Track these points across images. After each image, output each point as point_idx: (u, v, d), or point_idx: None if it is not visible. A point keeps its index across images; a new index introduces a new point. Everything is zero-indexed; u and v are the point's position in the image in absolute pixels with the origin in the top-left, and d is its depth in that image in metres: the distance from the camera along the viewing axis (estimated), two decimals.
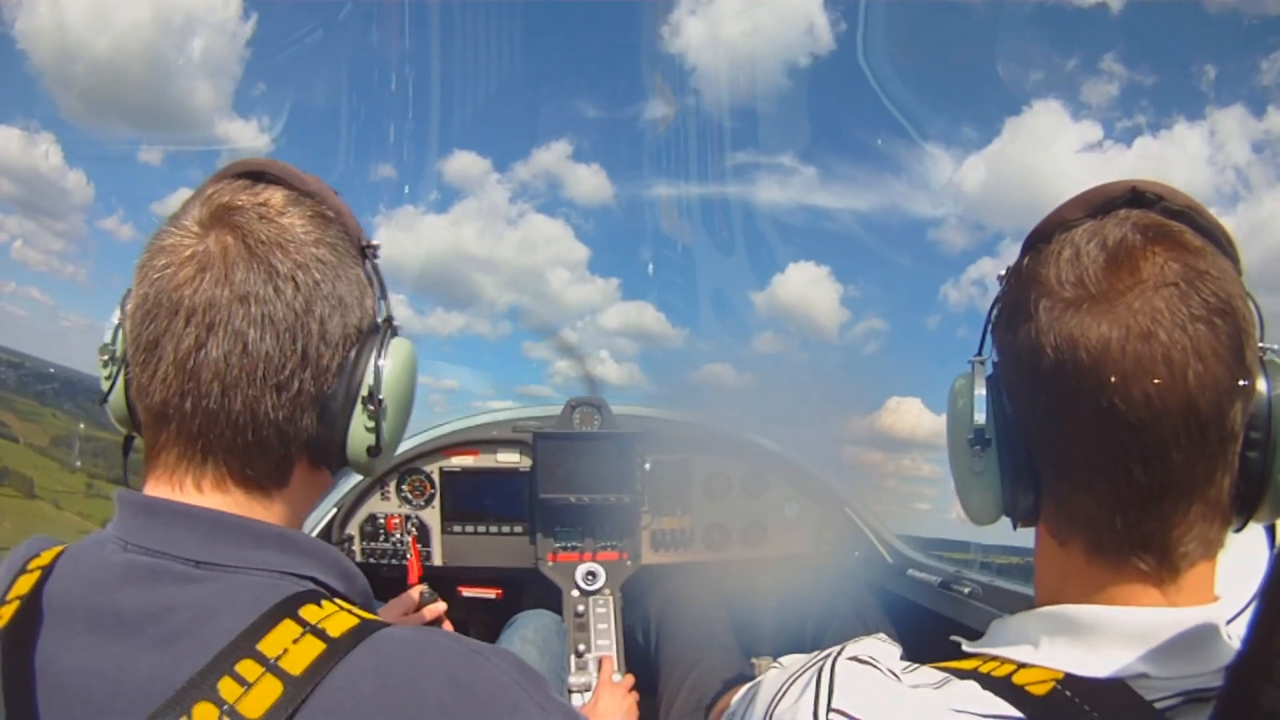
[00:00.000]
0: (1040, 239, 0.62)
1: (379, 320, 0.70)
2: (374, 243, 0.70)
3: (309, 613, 0.54)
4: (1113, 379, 0.53)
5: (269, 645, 0.51)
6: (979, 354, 0.66)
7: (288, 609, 0.54)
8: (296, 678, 0.50)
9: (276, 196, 0.64)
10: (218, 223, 0.61)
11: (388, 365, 0.67)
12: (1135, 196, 0.60)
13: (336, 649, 0.52)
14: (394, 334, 0.70)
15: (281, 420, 0.61)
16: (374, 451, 0.68)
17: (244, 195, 0.63)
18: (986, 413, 0.63)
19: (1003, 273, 0.66)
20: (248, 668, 0.50)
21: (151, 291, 0.59)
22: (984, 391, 0.64)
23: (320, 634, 0.53)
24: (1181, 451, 0.53)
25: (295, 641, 0.52)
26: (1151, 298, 0.53)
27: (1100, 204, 0.60)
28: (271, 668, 0.50)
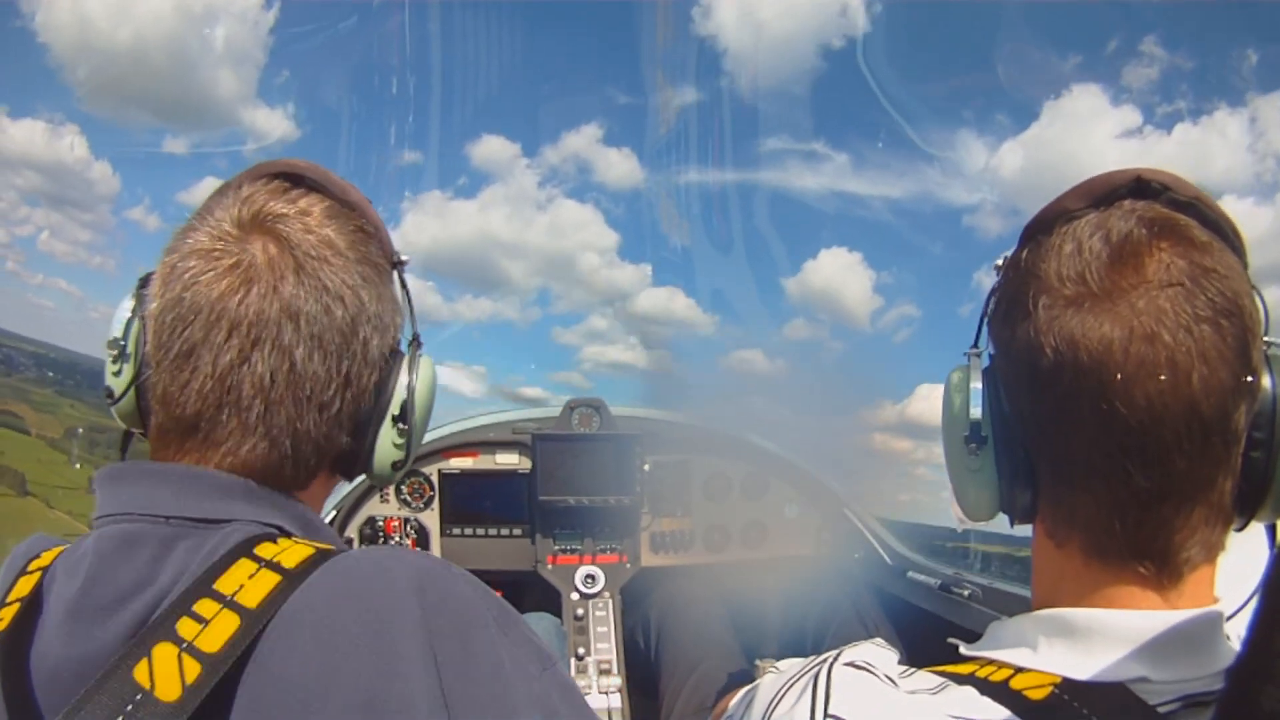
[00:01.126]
0: (1040, 230, 0.60)
1: (404, 336, 0.71)
2: (404, 258, 0.71)
3: (265, 550, 0.54)
4: (1114, 381, 0.51)
5: (225, 583, 0.51)
6: (974, 346, 0.65)
7: (244, 549, 0.54)
8: (253, 610, 0.50)
9: (317, 207, 0.63)
10: (257, 229, 0.60)
11: (417, 383, 0.69)
12: (1140, 186, 0.58)
13: (292, 577, 0.52)
14: (420, 351, 0.72)
15: (320, 437, 0.62)
16: (400, 465, 0.70)
17: (282, 202, 0.62)
18: (983, 409, 0.62)
19: (1000, 262, 0.64)
20: (205, 606, 0.50)
21: (187, 297, 0.58)
22: (980, 386, 0.62)
23: (275, 567, 0.53)
24: (1184, 456, 0.52)
25: (251, 577, 0.52)
26: (1156, 297, 0.52)
27: (1104, 194, 0.58)
28: (228, 603, 0.50)
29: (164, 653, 0.48)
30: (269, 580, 0.52)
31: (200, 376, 0.58)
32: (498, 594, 0.61)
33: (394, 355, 0.68)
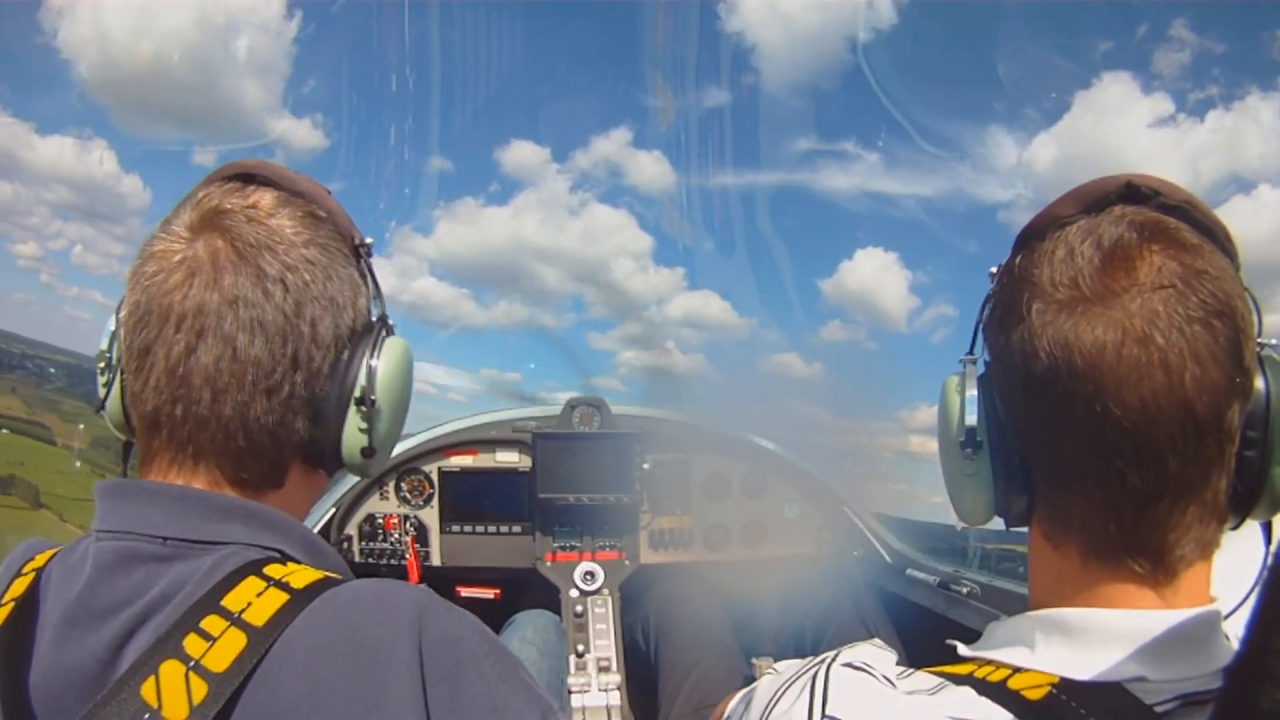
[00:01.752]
0: (1033, 236, 0.61)
1: (373, 320, 0.70)
2: (367, 241, 0.70)
3: (273, 570, 0.54)
4: (1108, 384, 0.52)
5: (233, 600, 0.52)
6: (970, 353, 0.65)
7: (253, 568, 0.54)
8: (259, 628, 0.50)
9: (266, 198, 0.64)
10: (207, 227, 0.61)
11: (381, 365, 0.67)
12: (1130, 191, 0.58)
13: (299, 599, 0.52)
14: (389, 333, 0.70)
15: (273, 424, 0.61)
16: (368, 452, 0.68)
17: (234, 198, 0.63)
18: (978, 415, 0.62)
19: (994, 270, 0.64)
20: (213, 623, 0.50)
21: (143, 298, 0.59)
22: (975, 392, 0.63)
23: (283, 586, 0.53)
24: (1178, 456, 0.52)
25: (259, 595, 0.52)
26: (1148, 300, 0.52)
27: (1095, 200, 0.59)
28: (235, 621, 0.50)
29: (171, 670, 0.49)
30: (277, 599, 0.52)
31: (156, 372, 0.59)
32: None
33: (356, 336, 0.67)
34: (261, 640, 0.50)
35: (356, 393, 0.65)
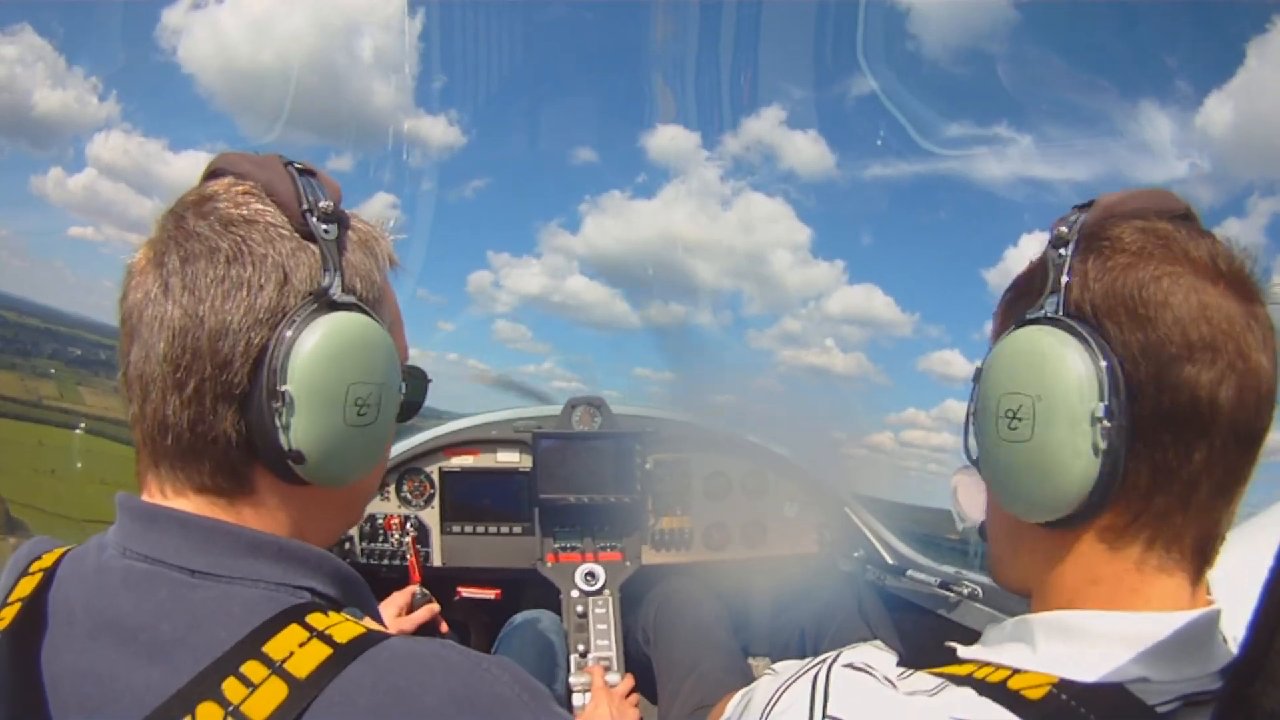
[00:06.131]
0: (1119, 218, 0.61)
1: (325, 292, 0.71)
2: (320, 205, 0.63)
3: (315, 619, 0.53)
4: (1260, 418, 0.55)
5: (275, 648, 0.51)
6: (1057, 310, 0.59)
7: (295, 615, 0.53)
8: (302, 680, 0.49)
9: (206, 191, 0.62)
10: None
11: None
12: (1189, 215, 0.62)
13: (343, 654, 0.51)
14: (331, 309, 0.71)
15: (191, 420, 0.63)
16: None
17: (186, 199, 0.62)
18: (1107, 391, 0.55)
19: (1061, 228, 0.62)
20: (253, 669, 0.49)
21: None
22: (1106, 361, 0.55)
23: (327, 639, 0.52)
24: (1250, 465, 0.56)
25: (301, 645, 0.51)
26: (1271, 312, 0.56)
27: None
28: (277, 670, 0.49)
29: (209, 712, 0.48)
30: (320, 651, 0.51)
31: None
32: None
33: (284, 318, 0.63)
34: (304, 693, 0.49)
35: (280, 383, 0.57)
